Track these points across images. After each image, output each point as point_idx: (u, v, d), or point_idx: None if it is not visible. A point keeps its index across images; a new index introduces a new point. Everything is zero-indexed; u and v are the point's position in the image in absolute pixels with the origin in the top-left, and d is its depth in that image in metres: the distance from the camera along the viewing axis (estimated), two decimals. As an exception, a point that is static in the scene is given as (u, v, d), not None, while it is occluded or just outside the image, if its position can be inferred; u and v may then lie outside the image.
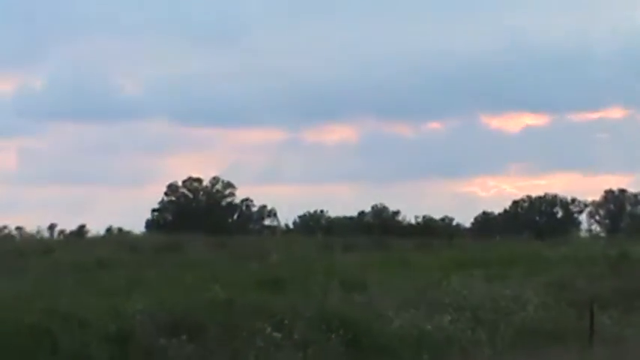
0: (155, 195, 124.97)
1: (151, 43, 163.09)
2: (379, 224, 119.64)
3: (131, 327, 32.08)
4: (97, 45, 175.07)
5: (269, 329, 32.70)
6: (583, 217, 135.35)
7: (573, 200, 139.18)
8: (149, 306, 34.30)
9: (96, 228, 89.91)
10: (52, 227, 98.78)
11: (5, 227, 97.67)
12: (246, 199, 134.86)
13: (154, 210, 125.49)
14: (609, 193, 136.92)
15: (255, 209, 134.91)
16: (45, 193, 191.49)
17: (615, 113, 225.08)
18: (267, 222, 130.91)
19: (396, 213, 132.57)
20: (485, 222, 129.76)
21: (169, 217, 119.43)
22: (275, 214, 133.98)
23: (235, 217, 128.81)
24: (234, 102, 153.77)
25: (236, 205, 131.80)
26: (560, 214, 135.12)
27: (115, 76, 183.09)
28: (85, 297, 36.95)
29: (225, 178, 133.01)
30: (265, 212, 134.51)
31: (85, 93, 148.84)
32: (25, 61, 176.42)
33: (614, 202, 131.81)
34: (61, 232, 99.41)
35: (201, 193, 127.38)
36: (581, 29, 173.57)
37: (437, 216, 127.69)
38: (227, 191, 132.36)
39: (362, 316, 35.64)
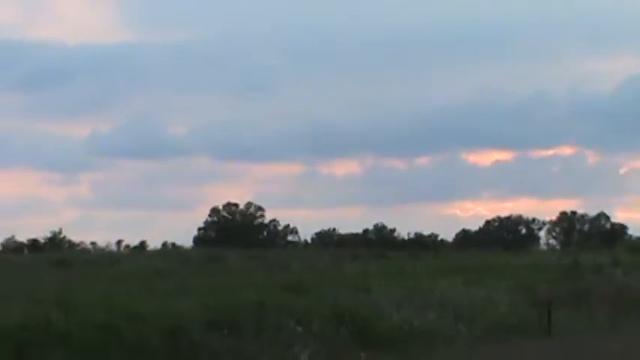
0: (201, 216, 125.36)
1: (196, 96, 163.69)
2: (379, 239, 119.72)
3: (181, 323, 31.85)
4: (154, 98, 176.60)
5: (292, 324, 32.74)
6: (542, 234, 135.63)
7: (534, 220, 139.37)
8: (196, 306, 34.22)
9: (154, 243, 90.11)
10: (119, 243, 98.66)
11: (82, 242, 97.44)
12: (273, 220, 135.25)
13: (199, 229, 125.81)
14: (563, 214, 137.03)
15: (280, 228, 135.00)
16: (113, 216, 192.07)
17: (566, 150, 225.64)
18: (290, 238, 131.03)
19: (393, 230, 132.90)
20: (464, 237, 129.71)
21: (212, 235, 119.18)
22: (296, 232, 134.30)
23: (265, 234, 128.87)
24: (262, 141, 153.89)
25: (265, 224, 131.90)
26: (523, 231, 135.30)
27: (167, 123, 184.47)
28: (145, 299, 36.66)
29: (257, 203, 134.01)
30: (288, 230, 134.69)
31: (144, 136, 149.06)
32: (97, 110, 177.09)
33: (567, 221, 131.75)
34: (126, 246, 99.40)
35: (238, 214, 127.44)
36: (539, 82, 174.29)
37: (425, 232, 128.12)
38: (258, 213, 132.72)
39: (366, 313, 35.65)
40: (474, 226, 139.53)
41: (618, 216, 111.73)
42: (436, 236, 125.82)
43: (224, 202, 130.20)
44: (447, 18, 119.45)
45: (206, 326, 31.94)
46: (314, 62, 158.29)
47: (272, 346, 31.29)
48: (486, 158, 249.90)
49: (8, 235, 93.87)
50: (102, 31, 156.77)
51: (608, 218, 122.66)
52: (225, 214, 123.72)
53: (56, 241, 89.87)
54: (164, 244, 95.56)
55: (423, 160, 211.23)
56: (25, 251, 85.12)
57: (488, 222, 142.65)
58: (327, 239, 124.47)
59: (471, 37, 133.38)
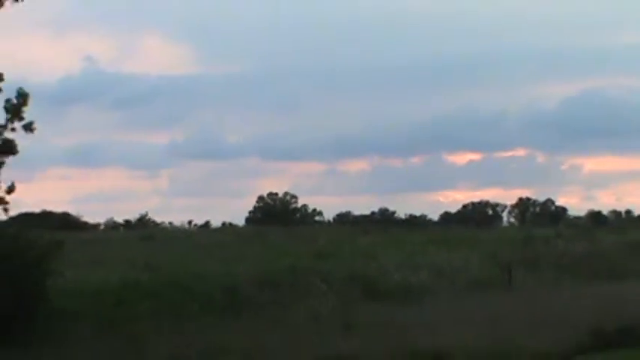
0: (250, 203, 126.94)
1: (247, 112, 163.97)
2: (383, 219, 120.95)
3: (237, 282, 32.62)
4: (216, 114, 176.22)
5: (318, 283, 33.52)
6: (504, 215, 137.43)
7: (497, 204, 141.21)
8: (247, 269, 35.27)
9: (215, 223, 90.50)
10: (189, 222, 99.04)
11: (162, 222, 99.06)
12: (304, 205, 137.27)
13: (249, 212, 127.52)
14: (520, 200, 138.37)
15: (309, 211, 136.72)
16: (185, 202, 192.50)
17: (521, 152, 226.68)
18: (316, 219, 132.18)
19: (394, 212, 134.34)
20: (446, 217, 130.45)
21: (259, 216, 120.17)
22: (322, 214, 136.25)
23: (297, 216, 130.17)
24: (296, 146, 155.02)
25: (298, 208, 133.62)
26: (490, 213, 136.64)
27: (226, 133, 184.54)
28: (210, 264, 37.95)
29: (292, 192, 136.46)
30: (315, 213, 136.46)
31: (208, 142, 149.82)
32: (173, 124, 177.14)
33: (523, 205, 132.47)
34: (195, 225, 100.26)
35: (278, 201, 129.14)
36: (502, 101, 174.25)
37: (417, 214, 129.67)
38: (293, 200, 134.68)
39: (374, 274, 36.33)
40: (454, 209, 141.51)
41: (560, 201, 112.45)
42: (425, 216, 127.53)
43: (267, 191, 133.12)
44: (439, 52, 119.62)
45: (255, 284, 32.65)
46: (333, 86, 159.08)
47: (303, 299, 31.43)
48: (462, 158, 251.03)
49: (108, 217, 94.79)
50: (177, 63, 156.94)
51: (553, 202, 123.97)
52: (268, 200, 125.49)
53: (143, 222, 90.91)
54: (223, 224, 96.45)
55: (415, 160, 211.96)
56: (121, 229, 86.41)
57: (464, 206, 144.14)
58: (344, 219, 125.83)
59: (453, 67, 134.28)
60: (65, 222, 51.87)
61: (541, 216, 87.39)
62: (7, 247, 25.16)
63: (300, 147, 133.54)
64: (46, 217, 42.07)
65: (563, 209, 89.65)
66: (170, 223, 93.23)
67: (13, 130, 23.30)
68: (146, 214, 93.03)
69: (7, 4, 22.59)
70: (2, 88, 23.19)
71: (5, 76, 23.40)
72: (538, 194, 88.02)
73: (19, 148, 23.67)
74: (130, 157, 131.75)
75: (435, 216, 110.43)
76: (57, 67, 71.68)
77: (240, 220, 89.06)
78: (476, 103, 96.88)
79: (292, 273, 35.13)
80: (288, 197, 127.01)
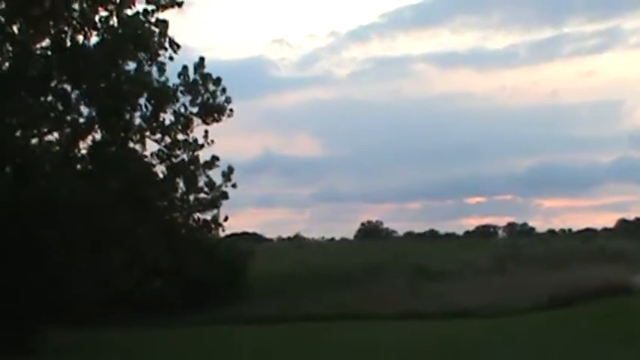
0: (356, 226, 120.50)
1: (352, 175, 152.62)
2: (431, 235, 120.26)
3: (354, 267, 38.20)
4: (335, 176, 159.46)
5: (396, 270, 38.59)
6: (500, 232, 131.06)
7: (495, 226, 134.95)
8: (357, 261, 39.71)
9: (337, 237, 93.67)
10: (322, 237, 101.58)
11: (307, 238, 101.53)
12: (386, 228, 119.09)
13: (356, 231, 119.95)
14: (509, 223, 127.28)
15: (389, 230, 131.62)
16: (318, 226, 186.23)
17: (508, 196, 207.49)
18: (394, 235, 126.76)
19: (438, 231, 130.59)
20: (468, 233, 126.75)
21: (362, 234, 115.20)
22: (396, 232, 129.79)
23: (384, 234, 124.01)
24: (379, 194, 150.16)
25: (383, 229, 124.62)
26: (491, 231, 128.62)
27: (341, 186, 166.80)
28: (335, 260, 41.14)
29: (378, 219, 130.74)
30: (391, 231, 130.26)
31: (332, 191, 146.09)
32: (313, 183, 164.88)
33: (511, 226, 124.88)
34: (323, 237, 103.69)
35: (371, 225, 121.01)
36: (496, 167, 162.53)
37: (450, 231, 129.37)
38: (380, 224, 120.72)
39: (427, 264, 40.96)
40: (471, 228, 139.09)
41: (531, 224, 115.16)
42: (454, 232, 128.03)
43: (366, 220, 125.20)
44: (461, 140, 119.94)
45: (361, 269, 38.05)
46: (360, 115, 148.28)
47: (389, 277, 36.70)
48: (474, 200, 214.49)
49: (278, 234, 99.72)
50: (313, 150, 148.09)
51: (527, 225, 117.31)
52: (366, 225, 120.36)
53: (298, 237, 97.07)
54: (341, 238, 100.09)
55: (448, 202, 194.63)
56: (284, 242, 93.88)
57: (477, 227, 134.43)
58: (410, 235, 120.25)
59: (467, 149, 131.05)
60: (254, 238, 60.71)
61: (521, 233, 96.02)
62: (224, 254, 31.93)
63: (382, 194, 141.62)
64: (244, 235, 51.08)
65: (532, 228, 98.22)
66: (312, 238, 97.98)
67: (226, 187, 24.05)
68: (298, 233, 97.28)
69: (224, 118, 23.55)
70: (219, 164, 23.87)
71: (220, 157, 23.99)
72: (519, 220, 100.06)
73: (229, 196, 24.20)
74: (290, 202, 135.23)
75: (461, 232, 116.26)
76: (248, 152, 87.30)
77: (350, 236, 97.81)
78: (481, 171, 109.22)
79: (381, 264, 39.93)
80: (377, 223, 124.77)
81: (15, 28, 21.40)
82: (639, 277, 30.07)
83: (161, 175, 23.28)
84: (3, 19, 21.25)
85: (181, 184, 23.37)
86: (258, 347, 19.98)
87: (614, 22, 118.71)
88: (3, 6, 21.46)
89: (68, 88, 21.98)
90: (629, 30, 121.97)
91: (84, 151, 22.44)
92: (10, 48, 21.43)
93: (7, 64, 21.63)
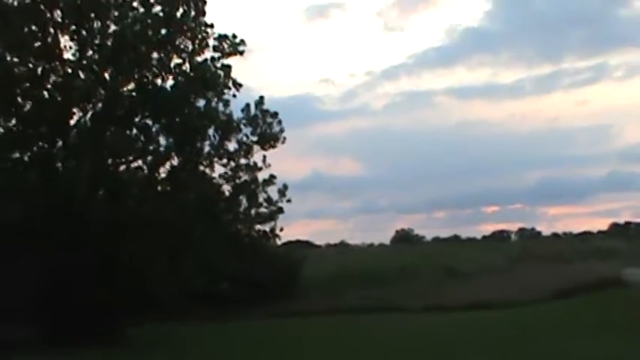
0: (391, 234, 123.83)
1: (390, 190, 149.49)
2: (452, 240, 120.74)
3: (387, 268, 38.96)
4: (374, 191, 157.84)
5: (422, 269, 38.88)
6: (512, 236, 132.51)
7: (507, 231, 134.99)
8: (393, 263, 40.77)
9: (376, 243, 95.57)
10: (362, 242, 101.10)
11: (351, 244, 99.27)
12: (417, 234, 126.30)
13: (391, 238, 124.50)
14: (520, 228, 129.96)
15: (419, 236, 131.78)
16: (359, 235, 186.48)
17: (518, 205, 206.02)
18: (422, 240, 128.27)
19: (460, 235, 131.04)
20: (486, 237, 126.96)
21: (394, 241, 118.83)
22: (425, 237, 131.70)
23: (415, 239, 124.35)
24: (411, 205, 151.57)
25: (414, 235, 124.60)
26: (505, 235, 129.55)
27: (378, 199, 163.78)
28: (375, 261, 42.70)
29: (408, 227, 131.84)
30: (420, 237, 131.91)
31: (370, 204, 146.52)
32: (354, 197, 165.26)
33: (521, 231, 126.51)
34: (363, 243, 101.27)
35: (404, 233, 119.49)
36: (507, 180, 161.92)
37: (471, 235, 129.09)
38: (411, 232, 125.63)
39: (451, 264, 40.85)
40: (488, 233, 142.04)
41: (538, 228, 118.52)
42: (475, 237, 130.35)
43: (400, 228, 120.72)
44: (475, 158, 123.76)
45: (396, 269, 38.18)
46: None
47: (416, 276, 36.92)
48: (489, 209, 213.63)
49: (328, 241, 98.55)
50: (356, 171, 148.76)
51: (534, 229, 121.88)
52: (400, 232, 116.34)
53: (343, 243, 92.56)
54: (379, 244, 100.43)
55: (467, 211, 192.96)
56: (330, 248, 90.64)
57: (493, 232, 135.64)
58: (438, 240, 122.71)
59: (480, 166, 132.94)
60: (306, 245, 60.97)
61: (530, 236, 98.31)
62: (281, 259, 33.07)
63: (413, 206, 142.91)
64: (297, 242, 51.74)
65: (539, 232, 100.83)
66: (354, 244, 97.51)
67: (281, 202, 25.80)
68: (343, 240, 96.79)
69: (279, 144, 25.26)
70: (276, 182, 25.84)
71: (276, 177, 25.96)
72: (527, 225, 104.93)
73: (284, 210, 26.06)
74: (336, 214, 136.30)
75: (479, 236, 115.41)
76: (299, 173, 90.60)
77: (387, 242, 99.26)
78: (495, 184, 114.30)
79: (412, 265, 40.21)
80: (408, 230, 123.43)
81: (107, 75, 23.49)
82: (629, 271, 30.31)
83: (227, 194, 25.16)
84: (97, 68, 23.77)
85: (244, 201, 25.26)
86: (313, 335, 21.45)
87: (602, 59, 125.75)
88: (97, 57, 24.08)
89: (149, 122, 24.07)
90: (614, 65, 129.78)
91: (163, 175, 24.45)
92: (103, 91, 23.43)
93: (99, 104, 23.63)
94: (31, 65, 22.82)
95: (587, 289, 26.33)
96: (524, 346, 16.12)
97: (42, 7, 22.53)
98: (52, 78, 23.06)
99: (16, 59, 22.66)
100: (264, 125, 24.81)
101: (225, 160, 24.59)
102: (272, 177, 25.24)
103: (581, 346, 15.32)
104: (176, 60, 23.82)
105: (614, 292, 24.92)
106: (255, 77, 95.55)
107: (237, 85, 24.22)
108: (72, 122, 23.22)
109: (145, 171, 24.04)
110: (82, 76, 22.98)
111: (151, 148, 23.80)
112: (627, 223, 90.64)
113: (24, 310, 21.47)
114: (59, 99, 22.91)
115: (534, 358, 14.48)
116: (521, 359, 14.49)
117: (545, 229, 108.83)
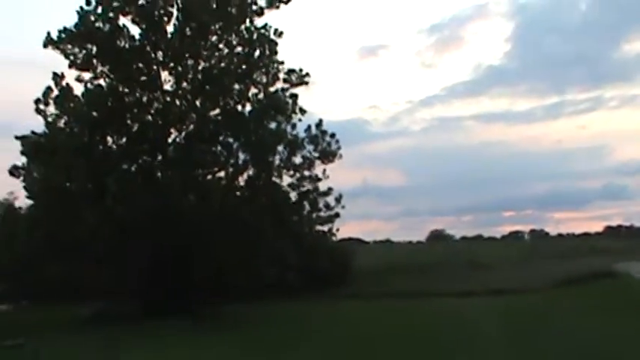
0: (426, 233, 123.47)
1: (428, 197, 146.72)
2: (479, 238, 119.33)
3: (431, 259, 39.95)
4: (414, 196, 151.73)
5: (450, 262, 39.29)
6: (525, 236, 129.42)
7: (520, 232, 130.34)
8: (430, 259, 42.46)
9: (414, 241, 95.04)
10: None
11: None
12: (448, 234, 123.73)
13: (426, 237, 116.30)
14: (531, 230, 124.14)
15: (453, 237, 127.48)
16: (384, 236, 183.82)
17: (529, 212, 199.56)
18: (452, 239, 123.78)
19: (489, 237, 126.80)
20: (505, 238, 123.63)
21: (429, 239, 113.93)
22: (454, 237, 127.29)
23: (445, 237, 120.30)
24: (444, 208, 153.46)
25: (445, 234, 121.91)
26: (519, 235, 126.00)
27: (415, 204, 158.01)
28: (413, 256, 44.44)
29: (441, 228, 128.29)
30: (452, 236, 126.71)
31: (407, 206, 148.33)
32: (400, 202, 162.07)
33: (534, 233, 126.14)
34: (390, 241, 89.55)
35: (438, 233, 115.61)
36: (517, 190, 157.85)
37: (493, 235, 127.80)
38: (444, 232, 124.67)
39: (473, 258, 42.20)
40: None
41: (546, 229, 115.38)
42: (495, 236, 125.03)
43: (433, 228, 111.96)
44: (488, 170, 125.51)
45: (432, 264, 39.33)
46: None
47: (446, 266, 38.10)
48: (505, 215, 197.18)
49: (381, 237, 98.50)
50: (398, 181, 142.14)
51: (543, 230, 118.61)
52: (434, 232, 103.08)
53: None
54: (417, 242, 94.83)
55: (488, 214, 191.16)
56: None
57: (510, 232, 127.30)
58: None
59: (491, 179, 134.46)
60: (357, 242, 61.60)
61: (539, 236, 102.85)
62: (337, 253, 33.04)
63: (445, 210, 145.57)
64: (350, 239, 51.07)
65: (547, 233, 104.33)
66: (397, 241, 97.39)
67: (337, 208, 26.97)
68: (388, 238, 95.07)
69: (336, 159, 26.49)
70: (333, 191, 26.83)
71: (333, 187, 27.04)
72: (538, 227, 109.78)
73: (340, 214, 27.14)
74: (382, 217, 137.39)
75: (499, 236, 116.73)
76: (352, 183, 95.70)
77: (423, 239, 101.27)
78: (512, 193, 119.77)
79: (444, 259, 42.09)
80: (441, 230, 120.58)
81: (197, 102, 25.32)
82: (619, 266, 32.21)
83: (293, 200, 26.36)
84: (190, 97, 26.02)
85: (307, 206, 26.14)
86: (363, 315, 22.26)
87: (599, 92, 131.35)
88: (189, 88, 26.52)
89: (231, 140, 25.54)
90: (609, 97, 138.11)
91: (242, 183, 25.87)
92: (194, 115, 25.21)
93: (191, 126, 25.36)
94: (137, 95, 24.66)
95: (587, 280, 27.53)
96: (536, 323, 17.11)
97: (147, 48, 24.39)
98: (155, 105, 24.78)
99: (126, 90, 24.52)
100: (324, 143, 25.93)
101: (292, 172, 25.74)
102: (329, 189, 26.22)
103: (583, 323, 16.38)
104: (253, 90, 25.39)
105: (608, 281, 26.40)
106: (316, 104, 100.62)
107: (302, 111, 25.60)
108: (169, 140, 24.82)
109: (227, 180, 25.38)
110: (177, 103, 24.82)
111: (232, 161, 25.04)
112: (619, 226, 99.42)
113: (131, 289, 24.09)
114: (159, 122, 24.66)
115: (545, 332, 15.35)
116: (535, 333, 15.21)
117: (552, 231, 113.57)
